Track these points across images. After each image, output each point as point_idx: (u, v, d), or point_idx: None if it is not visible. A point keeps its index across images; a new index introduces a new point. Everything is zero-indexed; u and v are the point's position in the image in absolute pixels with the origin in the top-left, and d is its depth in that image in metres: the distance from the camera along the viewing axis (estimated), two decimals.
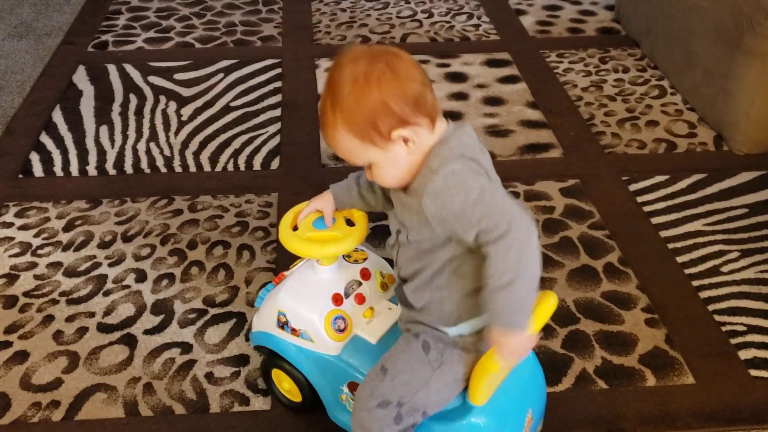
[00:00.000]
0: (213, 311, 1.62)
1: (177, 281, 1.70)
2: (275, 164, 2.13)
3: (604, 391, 1.44)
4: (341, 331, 1.22)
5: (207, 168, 2.11)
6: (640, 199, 1.98)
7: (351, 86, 0.99)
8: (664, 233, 1.86)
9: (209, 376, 1.46)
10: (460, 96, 2.48)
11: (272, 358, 1.32)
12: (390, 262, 1.35)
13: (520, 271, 0.97)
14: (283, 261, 1.74)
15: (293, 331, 1.25)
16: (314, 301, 1.23)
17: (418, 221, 1.06)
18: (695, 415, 1.39)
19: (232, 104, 2.42)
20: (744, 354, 1.52)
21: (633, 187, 2.03)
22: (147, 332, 1.57)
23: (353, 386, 1.21)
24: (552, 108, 2.40)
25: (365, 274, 1.27)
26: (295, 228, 1.25)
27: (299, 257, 1.38)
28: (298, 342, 1.25)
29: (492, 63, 2.68)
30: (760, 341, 1.55)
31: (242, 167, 2.12)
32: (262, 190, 2.02)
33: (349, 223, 1.25)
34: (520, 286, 0.97)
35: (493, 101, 2.44)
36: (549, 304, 1.04)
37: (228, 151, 2.19)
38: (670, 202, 1.97)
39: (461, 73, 2.62)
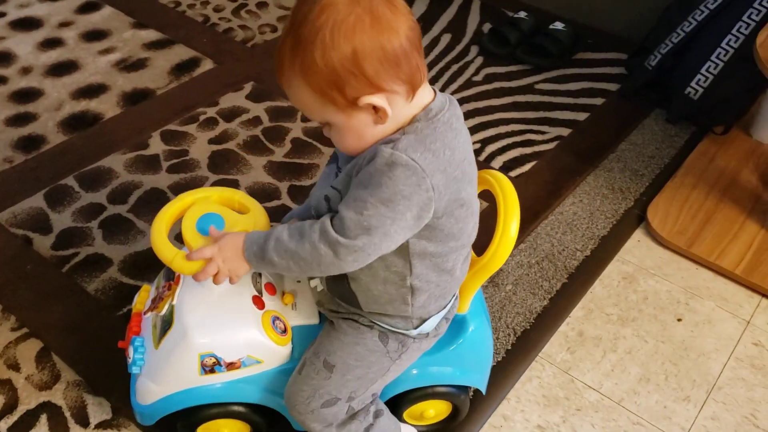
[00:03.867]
0: (2, 426, 1.15)
1: None
2: None
3: None
4: (284, 331, 1.01)
5: None
6: None
7: (318, 30, 0.76)
8: None
9: None
10: (54, 43, 2.03)
11: (196, 416, 1.04)
12: None
13: (300, 255, 0.85)
14: (31, 310, 1.30)
15: (230, 365, 0.98)
16: (241, 318, 0.98)
17: (343, 182, 0.87)
18: None
19: None
20: (496, 164, 1.73)
21: None
22: None
23: None
24: (162, 22, 2.14)
25: None
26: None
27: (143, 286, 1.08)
28: (241, 373, 1.00)
29: None
30: (497, 148, 1.78)
31: None
32: None
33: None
34: (287, 255, 0.86)
35: (95, 35, 2.07)
36: (508, 185, 0.99)
37: None
38: None
39: (31, 17, 2.13)
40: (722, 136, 1.82)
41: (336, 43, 0.76)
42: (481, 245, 0.99)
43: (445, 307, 0.99)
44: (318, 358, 0.98)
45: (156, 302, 1.06)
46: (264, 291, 1.04)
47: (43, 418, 1.16)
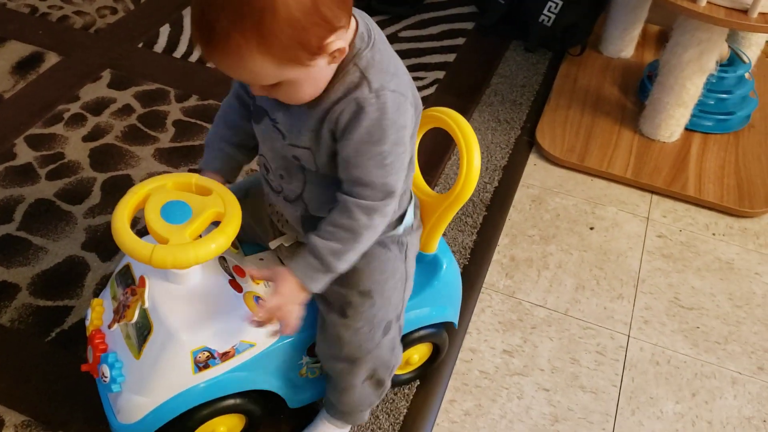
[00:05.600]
0: None
1: None
2: None
3: None
4: None
5: None
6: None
7: None
8: None
9: None
10: None
11: (190, 420, 0.97)
12: None
13: (363, 245, 0.87)
14: None
15: (224, 356, 0.93)
16: (226, 304, 0.93)
17: (311, 140, 0.85)
18: None
19: None
20: None
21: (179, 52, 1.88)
22: None
23: (312, 348, 1.01)
24: None
25: None
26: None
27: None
28: (237, 361, 0.94)
29: None
30: None
31: None
32: None
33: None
34: (354, 255, 0.87)
35: None
36: (461, 120, 1.00)
37: None
38: None
39: None
40: (579, 57, 1.97)
41: None
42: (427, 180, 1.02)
43: (411, 198, 1.01)
44: (352, 294, 0.95)
45: (121, 312, 0.97)
46: (234, 274, 0.99)
47: None
